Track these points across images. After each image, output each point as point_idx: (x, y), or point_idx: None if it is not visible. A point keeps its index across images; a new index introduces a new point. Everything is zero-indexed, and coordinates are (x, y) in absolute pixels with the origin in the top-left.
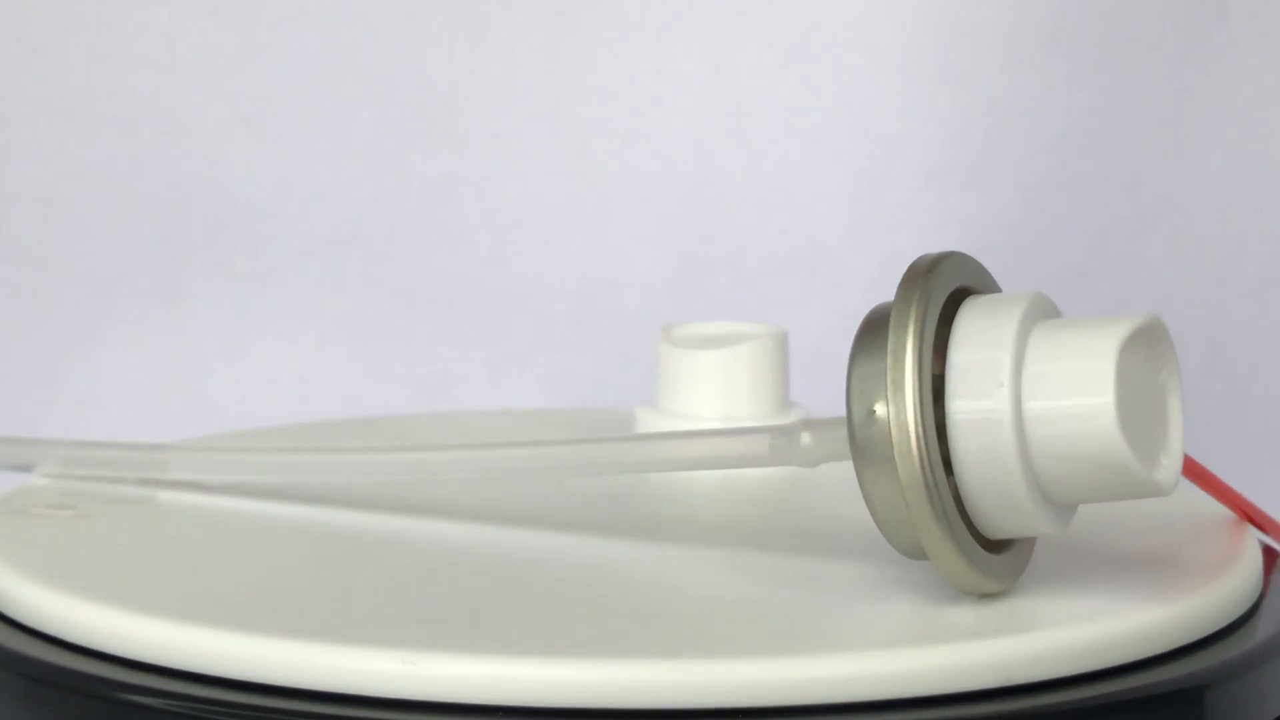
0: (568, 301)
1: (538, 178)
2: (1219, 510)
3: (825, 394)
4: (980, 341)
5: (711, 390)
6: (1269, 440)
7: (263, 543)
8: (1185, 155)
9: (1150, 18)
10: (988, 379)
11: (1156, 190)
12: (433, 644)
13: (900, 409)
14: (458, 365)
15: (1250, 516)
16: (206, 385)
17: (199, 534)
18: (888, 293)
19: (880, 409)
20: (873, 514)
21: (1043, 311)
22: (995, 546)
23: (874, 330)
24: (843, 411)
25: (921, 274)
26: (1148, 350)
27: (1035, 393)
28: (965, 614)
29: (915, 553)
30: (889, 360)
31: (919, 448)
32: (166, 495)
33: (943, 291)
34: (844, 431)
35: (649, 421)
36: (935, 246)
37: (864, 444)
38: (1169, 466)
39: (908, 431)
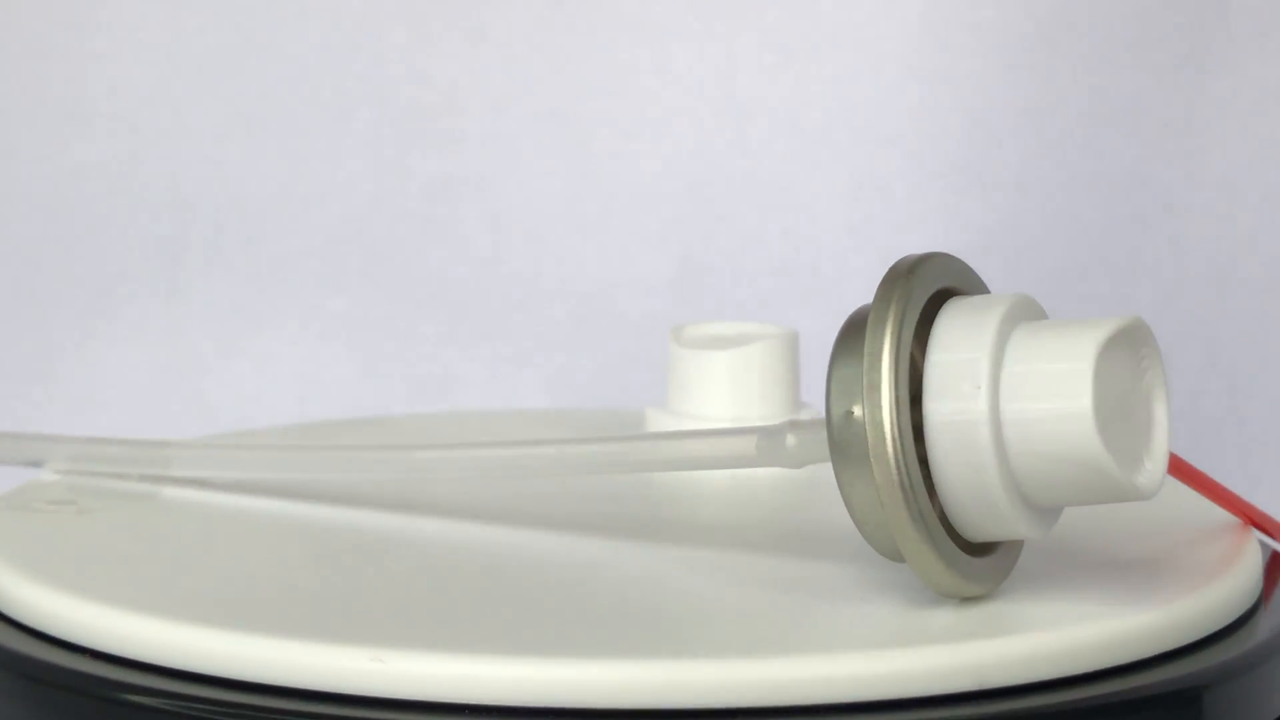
0: (567, 301)
1: (538, 178)
2: (1219, 513)
3: (823, 395)
4: (959, 343)
5: (722, 391)
6: (1269, 440)
7: (263, 541)
8: (1185, 155)
9: (1150, 18)
10: (965, 380)
11: (1156, 190)
12: (433, 644)
13: (876, 410)
14: (458, 365)
15: (1249, 517)
16: (206, 384)
17: (199, 531)
18: None
19: (858, 410)
20: (851, 515)
21: (1025, 313)
22: (978, 549)
23: (853, 332)
24: None
25: (901, 275)
26: (1131, 352)
27: (1013, 394)
28: (946, 616)
29: (894, 555)
30: (865, 362)
31: (894, 449)
32: (170, 492)
33: (924, 293)
34: None
35: (659, 422)
36: (935, 246)
37: (842, 445)
38: (1152, 470)
39: (883, 433)
